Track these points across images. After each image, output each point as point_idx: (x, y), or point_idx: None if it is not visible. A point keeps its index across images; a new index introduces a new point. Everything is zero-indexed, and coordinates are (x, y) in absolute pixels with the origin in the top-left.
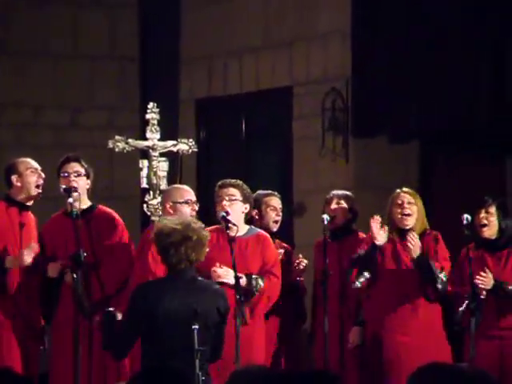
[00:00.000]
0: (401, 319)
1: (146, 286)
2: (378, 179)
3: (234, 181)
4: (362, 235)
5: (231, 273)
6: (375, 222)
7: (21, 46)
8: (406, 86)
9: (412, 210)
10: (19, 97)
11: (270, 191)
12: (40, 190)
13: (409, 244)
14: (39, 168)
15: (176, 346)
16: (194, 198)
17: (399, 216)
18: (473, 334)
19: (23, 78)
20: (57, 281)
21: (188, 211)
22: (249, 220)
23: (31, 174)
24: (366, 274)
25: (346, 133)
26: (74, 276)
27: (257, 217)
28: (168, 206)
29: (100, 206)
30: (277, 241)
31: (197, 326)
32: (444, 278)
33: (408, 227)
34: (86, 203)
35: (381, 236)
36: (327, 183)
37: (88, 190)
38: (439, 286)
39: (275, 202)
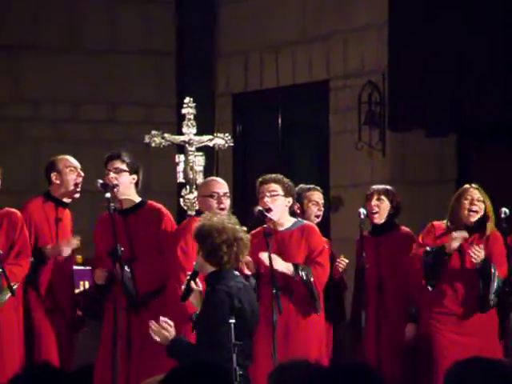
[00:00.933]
0: (459, 319)
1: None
2: (414, 173)
3: (274, 176)
4: (404, 229)
5: (279, 260)
6: (460, 238)
7: (58, 42)
8: (442, 79)
9: (480, 207)
10: (57, 93)
11: (312, 186)
12: (78, 189)
13: (472, 257)
14: (79, 166)
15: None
16: (222, 191)
17: (466, 212)
18: None
19: (61, 74)
20: (104, 286)
21: (214, 205)
22: (291, 214)
23: (70, 173)
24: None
25: (382, 126)
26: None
27: (298, 211)
28: (198, 199)
29: (149, 202)
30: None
31: (233, 321)
32: (500, 287)
33: (472, 224)
34: (133, 198)
35: (454, 244)
36: (363, 177)
37: (136, 184)
38: (491, 302)
39: (317, 196)
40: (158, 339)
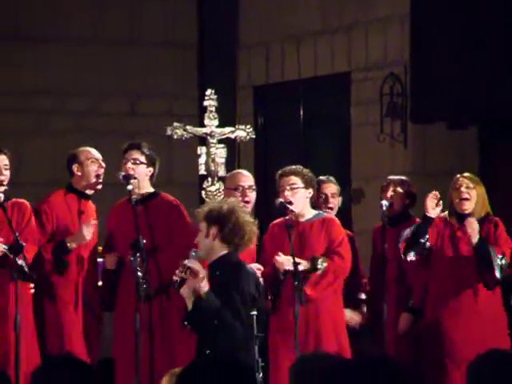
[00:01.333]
0: (459, 305)
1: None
2: (436, 165)
3: (293, 168)
4: (419, 221)
5: (291, 260)
6: (431, 197)
7: (81, 34)
8: (464, 71)
9: (471, 194)
10: (79, 85)
11: (325, 177)
12: (100, 180)
13: (468, 228)
14: (100, 158)
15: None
16: (247, 184)
17: (457, 200)
18: None
19: (83, 66)
20: (114, 271)
21: (238, 198)
22: (313, 206)
23: (92, 164)
24: (417, 249)
25: (404, 118)
26: (134, 259)
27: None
28: (224, 191)
29: (163, 194)
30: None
31: (255, 312)
32: (504, 265)
33: (466, 212)
34: (147, 190)
35: (433, 210)
36: (385, 169)
37: (151, 176)
38: (497, 274)
39: (329, 188)
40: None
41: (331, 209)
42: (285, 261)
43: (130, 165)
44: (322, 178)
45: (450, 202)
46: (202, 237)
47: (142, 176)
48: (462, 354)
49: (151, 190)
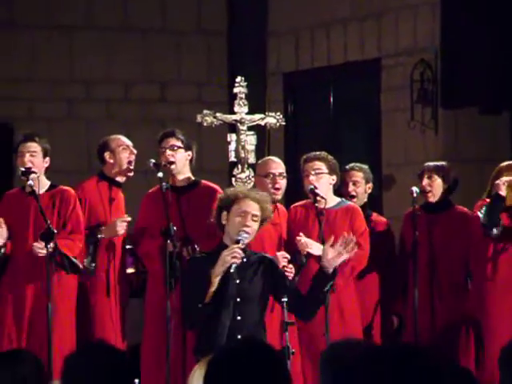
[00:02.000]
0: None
1: None
2: (467, 151)
3: (318, 153)
4: (461, 209)
5: (316, 244)
6: (503, 181)
7: (109, 22)
8: (496, 56)
9: None
10: (108, 72)
11: (351, 165)
12: (132, 167)
13: None
14: (131, 144)
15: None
16: (278, 171)
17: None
18: None
19: (112, 54)
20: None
21: (269, 185)
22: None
23: (123, 151)
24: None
25: (435, 104)
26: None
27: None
28: (255, 178)
29: (204, 182)
30: (374, 214)
31: (286, 299)
32: None
33: None
34: (188, 176)
35: (503, 191)
36: (416, 155)
37: (190, 161)
38: None
39: (352, 176)
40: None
41: (354, 197)
42: (310, 243)
43: (168, 152)
44: (347, 166)
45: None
46: (255, 228)
47: (182, 161)
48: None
49: (192, 177)
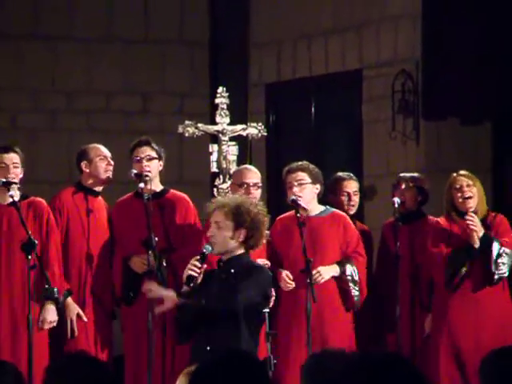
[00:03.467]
0: (470, 305)
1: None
2: (449, 162)
3: (300, 164)
4: (432, 219)
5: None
6: (472, 220)
7: (90, 32)
8: (476, 67)
9: (472, 192)
10: (90, 83)
11: (346, 174)
12: (109, 175)
13: (470, 225)
14: (109, 155)
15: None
16: (252, 181)
17: (460, 200)
18: None
19: (94, 65)
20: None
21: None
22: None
23: (100, 161)
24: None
25: (416, 115)
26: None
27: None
28: (230, 186)
29: (172, 191)
30: (358, 223)
31: (267, 310)
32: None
33: (471, 210)
34: (157, 186)
35: (477, 242)
36: (398, 166)
37: (160, 172)
38: (495, 275)
39: (350, 186)
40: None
41: (353, 206)
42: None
43: (145, 162)
44: (341, 174)
45: (451, 201)
46: (222, 235)
47: (155, 172)
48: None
49: (161, 186)
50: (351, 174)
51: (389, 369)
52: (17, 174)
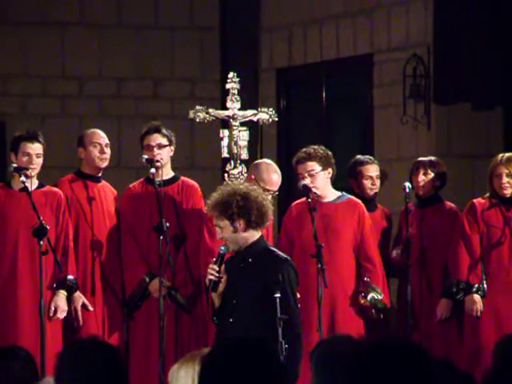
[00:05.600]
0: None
1: None
2: (460, 146)
3: (308, 152)
4: (449, 205)
5: None
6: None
7: (101, 18)
8: (489, 51)
9: (510, 182)
10: (101, 69)
11: (367, 158)
12: (103, 163)
13: None
14: (104, 142)
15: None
16: (273, 189)
17: (498, 187)
18: None
19: (105, 50)
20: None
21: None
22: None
23: (94, 148)
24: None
25: (427, 100)
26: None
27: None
28: (253, 177)
29: (182, 178)
30: (379, 206)
31: (279, 295)
32: None
33: (508, 195)
34: (168, 173)
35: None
36: (409, 151)
37: (171, 157)
38: None
39: (372, 169)
40: None
41: (375, 189)
42: None
43: (156, 150)
44: (362, 158)
45: (491, 186)
46: (227, 233)
47: (167, 158)
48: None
49: (172, 173)
50: (372, 158)
51: (401, 355)
52: (39, 163)
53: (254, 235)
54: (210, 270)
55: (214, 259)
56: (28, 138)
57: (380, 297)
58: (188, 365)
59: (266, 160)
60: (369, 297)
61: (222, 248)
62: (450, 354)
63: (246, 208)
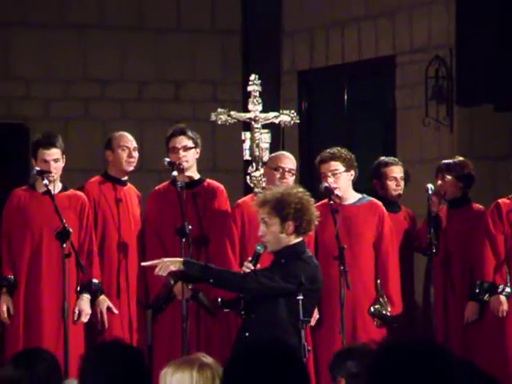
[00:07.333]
0: None
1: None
2: (482, 148)
3: (332, 152)
4: (476, 206)
5: None
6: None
7: (123, 21)
8: (511, 53)
9: None
10: (122, 72)
11: (391, 159)
12: (130, 166)
13: None
14: (132, 145)
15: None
16: (288, 167)
17: None
18: None
19: (126, 53)
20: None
21: (277, 179)
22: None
23: (122, 152)
24: None
25: (450, 101)
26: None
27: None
28: (265, 170)
29: (208, 180)
30: (403, 207)
31: (302, 297)
32: None
33: None
34: (194, 175)
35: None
36: (431, 153)
37: (196, 159)
38: None
39: (396, 170)
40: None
41: (400, 190)
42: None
43: (182, 153)
44: (387, 159)
45: None
46: (273, 232)
47: (192, 161)
48: None
49: (197, 175)
50: (396, 159)
51: (424, 357)
52: (58, 167)
53: (294, 240)
54: (244, 268)
55: (250, 258)
56: (44, 145)
57: (384, 311)
58: (185, 370)
59: None
60: (372, 309)
61: (259, 247)
62: (471, 355)
63: (300, 212)
